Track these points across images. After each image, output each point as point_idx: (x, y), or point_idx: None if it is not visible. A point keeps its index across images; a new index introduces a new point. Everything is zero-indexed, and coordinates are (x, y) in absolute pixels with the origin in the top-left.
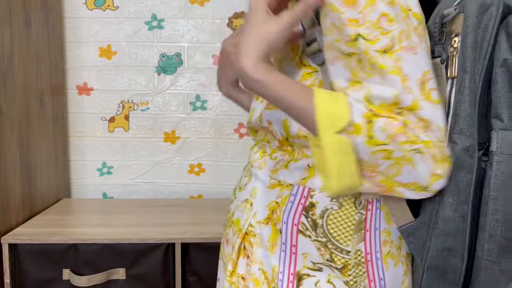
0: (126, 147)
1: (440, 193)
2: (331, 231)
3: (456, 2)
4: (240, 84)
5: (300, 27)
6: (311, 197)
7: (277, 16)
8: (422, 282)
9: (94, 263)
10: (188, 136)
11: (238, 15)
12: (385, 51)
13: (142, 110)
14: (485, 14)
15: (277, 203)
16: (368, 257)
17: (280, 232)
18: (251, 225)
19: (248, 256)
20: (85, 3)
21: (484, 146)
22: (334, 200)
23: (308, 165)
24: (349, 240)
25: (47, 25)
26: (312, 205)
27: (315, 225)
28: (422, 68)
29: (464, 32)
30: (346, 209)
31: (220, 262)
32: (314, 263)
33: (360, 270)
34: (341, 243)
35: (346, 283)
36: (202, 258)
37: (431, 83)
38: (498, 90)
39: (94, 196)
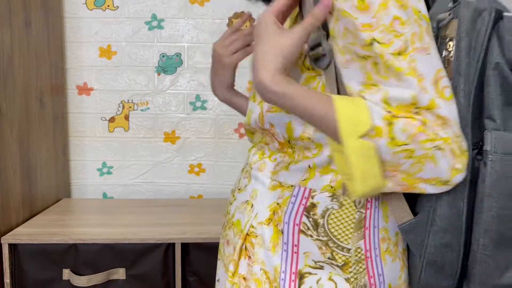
0: (126, 147)
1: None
2: (332, 230)
3: (450, 7)
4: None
5: None
6: (312, 197)
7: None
8: (421, 279)
9: (94, 263)
10: (188, 136)
11: (238, 15)
12: (399, 53)
13: (142, 110)
14: (478, 19)
15: (278, 204)
16: (368, 254)
17: (282, 233)
18: (253, 226)
19: (249, 257)
20: (85, 3)
21: (478, 146)
22: (334, 199)
23: (309, 166)
24: (350, 238)
25: (47, 25)
26: (313, 205)
27: (316, 225)
28: (435, 67)
29: (458, 36)
30: (346, 208)
31: (220, 263)
32: (315, 262)
33: (360, 267)
34: (341, 242)
35: (347, 280)
36: (202, 258)
37: (444, 81)
38: (491, 92)
39: (94, 196)
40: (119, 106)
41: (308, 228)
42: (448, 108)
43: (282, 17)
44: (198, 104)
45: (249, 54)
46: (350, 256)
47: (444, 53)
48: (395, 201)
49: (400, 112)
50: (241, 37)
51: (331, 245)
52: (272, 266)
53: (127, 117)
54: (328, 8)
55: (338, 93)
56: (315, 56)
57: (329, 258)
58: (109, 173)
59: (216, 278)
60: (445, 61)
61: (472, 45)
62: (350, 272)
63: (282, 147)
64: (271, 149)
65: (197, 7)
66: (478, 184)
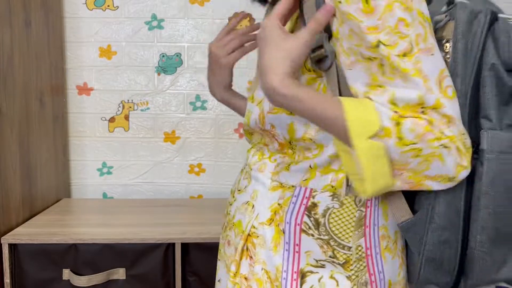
0: (126, 147)
1: (436, 190)
2: (333, 228)
3: (446, 9)
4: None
5: None
6: (313, 197)
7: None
8: (420, 275)
9: (94, 263)
10: (188, 136)
11: (238, 15)
12: (404, 55)
13: (142, 110)
14: (474, 21)
15: (279, 204)
16: (368, 252)
17: (283, 232)
18: (254, 227)
19: (251, 257)
20: (85, 3)
21: (474, 145)
22: (335, 199)
23: (310, 166)
24: (350, 236)
25: (47, 25)
26: (314, 205)
27: (317, 224)
28: (439, 67)
29: (455, 38)
30: (347, 207)
31: (220, 263)
32: (317, 261)
33: (361, 265)
34: (342, 240)
35: (348, 277)
36: (202, 258)
37: (447, 81)
38: (486, 93)
39: (94, 196)
40: (119, 106)
41: (310, 228)
42: (452, 107)
43: (284, 20)
44: (198, 104)
45: (246, 53)
46: (351, 254)
47: (441, 54)
48: (395, 200)
49: (406, 112)
50: (237, 36)
51: (332, 243)
52: (273, 265)
53: (127, 117)
54: (331, 13)
55: (340, 94)
56: (316, 58)
57: (330, 257)
58: (109, 173)
59: (217, 279)
60: None
61: (468, 46)
62: (351, 270)
63: (282, 148)
64: (270, 150)
65: (197, 7)
66: (475, 182)
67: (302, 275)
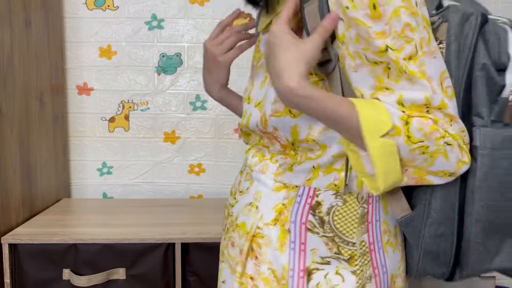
0: (126, 147)
1: (432, 186)
2: (337, 226)
3: (438, 11)
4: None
5: (305, 37)
6: (317, 196)
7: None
8: (419, 267)
9: (94, 263)
10: (188, 136)
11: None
12: (410, 58)
13: (142, 110)
14: (466, 24)
15: (283, 204)
16: (372, 246)
17: (289, 232)
18: (259, 227)
19: (256, 257)
20: (85, 3)
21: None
22: (338, 197)
23: (313, 167)
24: (354, 233)
25: (47, 25)
26: (319, 204)
27: (322, 222)
28: (440, 69)
29: (448, 40)
30: (350, 205)
31: (224, 265)
32: (322, 258)
33: (365, 259)
34: (347, 236)
35: (353, 272)
36: (202, 258)
37: (447, 82)
38: (478, 92)
39: (94, 196)
40: (119, 106)
41: (315, 226)
42: (453, 107)
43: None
44: (198, 104)
45: (243, 51)
46: (356, 250)
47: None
48: (394, 196)
49: (413, 112)
50: (232, 33)
51: (337, 240)
52: (280, 264)
53: (127, 117)
54: (336, 22)
55: (343, 96)
56: (320, 61)
57: (335, 253)
58: (109, 173)
59: (221, 280)
60: None
61: (461, 48)
62: (356, 265)
63: (285, 149)
64: (272, 151)
65: (197, 7)
66: (468, 178)
67: (309, 273)
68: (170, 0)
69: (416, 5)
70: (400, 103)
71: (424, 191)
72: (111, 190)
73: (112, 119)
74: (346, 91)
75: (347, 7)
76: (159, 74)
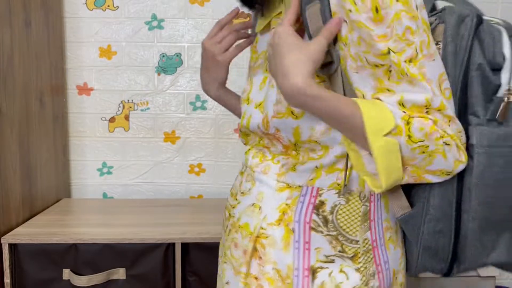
0: (126, 147)
1: (431, 184)
2: (341, 224)
3: (434, 13)
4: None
5: (307, 39)
6: (320, 195)
7: None
8: (418, 263)
9: (94, 263)
10: (188, 136)
11: (239, 15)
12: (410, 60)
13: (142, 110)
14: (462, 25)
15: (287, 204)
16: (374, 244)
17: (293, 231)
18: (262, 228)
19: (260, 257)
20: (85, 3)
21: None
22: (341, 196)
23: (316, 167)
24: (357, 230)
25: (47, 25)
26: (322, 203)
27: (326, 221)
28: (438, 72)
29: (445, 41)
30: (353, 203)
31: (226, 266)
32: (326, 256)
33: (369, 257)
34: (350, 234)
35: (357, 270)
36: (202, 258)
37: (445, 83)
38: (474, 91)
39: (94, 196)
40: (119, 106)
41: (319, 225)
42: (451, 108)
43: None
44: (198, 104)
45: (242, 50)
46: (359, 247)
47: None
48: (394, 194)
49: (413, 113)
50: (231, 32)
51: (340, 238)
52: (284, 264)
53: (127, 117)
54: (340, 24)
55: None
56: (322, 63)
57: (339, 251)
58: (109, 173)
59: (224, 281)
60: None
61: (457, 48)
62: (360, 262)
63: (287, 149)
64: (273, 152)
65: (197, 7)
66: (465, 176)
67: (313, 271)
68: (170, 0)
69: (417, 8)
70: (401, 104)
71: (423, 189)
72: (111, 190)
73: (112, 119)
74: (348, 92)
75: (350, 10)
76: (159, 74)
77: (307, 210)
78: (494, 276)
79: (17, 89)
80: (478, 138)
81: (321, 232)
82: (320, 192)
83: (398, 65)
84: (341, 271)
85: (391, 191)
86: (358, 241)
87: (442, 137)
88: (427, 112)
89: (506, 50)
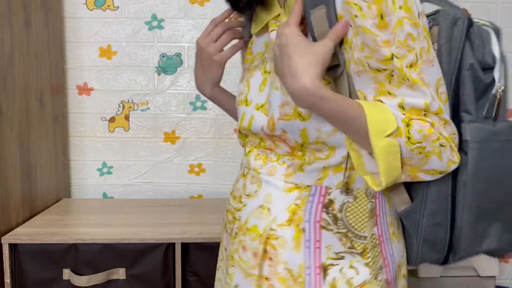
0: (126, 147)
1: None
2: (350, 221)
3: (428, 14)
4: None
5: (310, 39)
6: (329, 194)
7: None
8: (418, 255)
9: (94, 263)
10: (188, 136)
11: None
12: (410, 66)
13: (142, 110)
14: (454, 27)
15: (296, 204)
16: (381, 238)
17: (303, 231)
18: (272, 229)
19: (270, 258)
20: (85, 3)
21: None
22: (349, 194)
23: (324, 167)
24: (365, 227)
25: (47, 25)
26: (331, 202)
27: (335, 219)
28: (436, 77)
29: (439, 42)
30: (360, 200)
31: (235, 269)
32: (336, 253)
33: (376, 251)
34: (359, 231)
35: (366, 264)
36: (202, 258)
37: (442, 88)
38: (466, 90)
39: (94, 196)
40: (119, 106)
41: (329, 223)
42: (447, 111)
43: None
44: (198, 104)
45: (238, 50)
46: (367, 243)
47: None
48: (397, 190)
49: (412, 115)
50: (227, 31)
51: (350, 235)
52: (296, 264)
53: (127, 117)
54: (346, 29)
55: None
56: (329, 65)
57: (349, 248)
58: (109, 173)
59: (233, 284)
60: None
61: (451, 49)
62: (368, 257)
63: (293, 150)
64: (278, 153)
65: (197, 7)
66: (460, 170)
67: (324, 269)
68: (170, 0)
69: (418, 16)
70: (401, 107)
71: (421, 184)
72: (111, 190)
73: (112, 119)
74: (353, 94)
75: (356, 16)
76: (159, 74)
77: (317, 209)
78: (494, 276)
79: (17, 89)
80: (472, 134)
81: (331, 230)
82: (328, 191)
83: (401, 70)
84: (351, 266)
85: (393, 187)
86: (366, 237)
87: (438, 139)
88: (424, 115)
89: (495, 50)
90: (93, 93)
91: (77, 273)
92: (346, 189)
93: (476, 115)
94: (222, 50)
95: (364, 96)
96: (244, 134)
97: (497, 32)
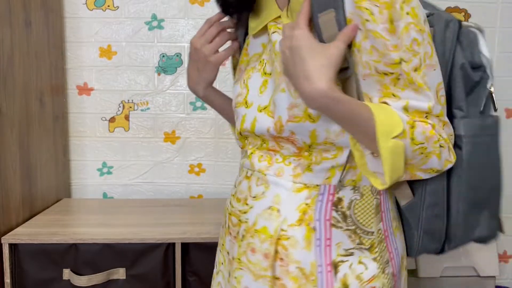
0: (126, 147)
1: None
2: (358, 218)
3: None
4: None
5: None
6: (337, 192)
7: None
8: (419, 246)
9: (94, 263)
10: (188, 136)
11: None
12: (415, 70)
13: (142, 110)
14: (447, 30)
15: (307, 204)
16: (386, 233)
17: (314, 230)
18: (283, 230)
19: (281, 259)
20: (85, 3)
21: None
22: (356, 191)
23: (332, 166)
24: (372, 223)
25: (47, 25)
26: (340, 200)
27: (344, 217)
28: (437, 81)
29: (435, 44)
30: (366, 197)
31: (244, 272)
32: (346, 250)
33: (383, 246)
34: (366, 227)
35: (374, 259)
36: (202, 258)
37: (442, 91)
38: (458, 87)
39: (94, 196)
40: (119, 106)
41: (338, 221)
42: (445, 113)
43: None
44: (198, 104)
45: (234, 51)
46: (375, 238)
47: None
48: (400, 186)
49: (415, 117)
50: (221, 31)
51: (358, 232)
52: (308, 262)
53: (127, 117)
54: (356, 31)
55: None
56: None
57: (358, 244)
58: (109, 173)
59: (242, 286)
60: None
61: (444, 51)
62: (376, 252)
63: (300, 151)
64: (283, 154)
65: (197, 7)
66: (455, 163)
67: (335, 266)
68: (170, 0)
69: (424, 23)
70: (405, 109)
71: (420, 180)
72: (111, 190)
73: (112, 119)
74: (361, 97)
75: (367, 20)
76: (159, 74)
77: (327, 208)
78: (494, 276)
79: (17, 89)
80: (465, 129)
81: (341, 227)
82: (337, 189)
83: (408, 74)
84: (360, 262)
85: (397, 184)
86: (373, 232)
87: (439, 140)
88: (426, 117)
89: (484, 50)
90: (93, 93)
91: (77, 273)
92: (341, 185)
93: (467, 112)
94: (217, 51)
95: (370, 98)
96: (244, 136)
97: (482, 33)
